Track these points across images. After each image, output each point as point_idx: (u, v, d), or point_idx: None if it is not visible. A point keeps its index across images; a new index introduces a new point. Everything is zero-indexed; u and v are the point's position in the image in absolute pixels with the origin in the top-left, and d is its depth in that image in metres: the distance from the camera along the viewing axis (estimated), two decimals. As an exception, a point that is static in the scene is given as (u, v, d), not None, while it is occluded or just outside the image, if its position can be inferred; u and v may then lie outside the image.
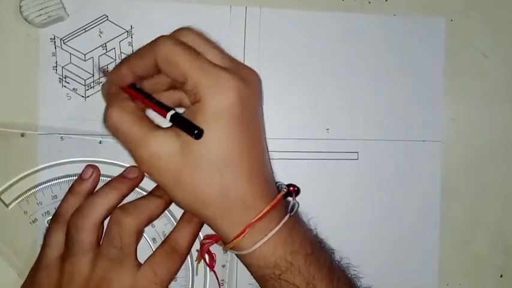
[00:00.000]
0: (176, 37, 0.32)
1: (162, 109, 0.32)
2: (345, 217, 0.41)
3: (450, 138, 0.42)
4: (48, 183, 0.37)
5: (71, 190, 0.36)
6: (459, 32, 0.42)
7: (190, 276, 0.39)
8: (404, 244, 0.42)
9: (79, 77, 0.38)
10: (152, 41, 0.32)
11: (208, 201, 0.32)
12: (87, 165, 0.37)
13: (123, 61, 0.34)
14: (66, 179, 0.38)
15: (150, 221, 0.36)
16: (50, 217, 0.37)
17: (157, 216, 0.36)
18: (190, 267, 0.39)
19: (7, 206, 0.37)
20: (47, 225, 0.37)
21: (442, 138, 0.42)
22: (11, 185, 0.37)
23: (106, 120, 0.33)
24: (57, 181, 0.38)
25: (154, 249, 0.36)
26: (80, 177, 0.37)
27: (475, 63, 0.43)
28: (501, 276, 0.43)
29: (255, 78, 0.34)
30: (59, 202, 0.36)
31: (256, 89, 0.34)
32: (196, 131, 0.30)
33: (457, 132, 0.42)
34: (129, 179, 0.36)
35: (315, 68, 0.41)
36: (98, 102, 0.38)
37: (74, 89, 0.38)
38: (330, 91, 0.41)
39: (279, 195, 0.34)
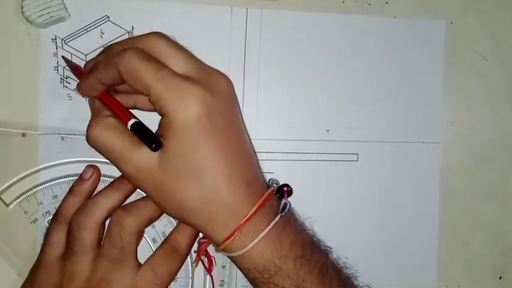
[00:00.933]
0: (141, 48, 0.32)
1: (125, 116, 0.33)
2: (344, 218, 0.41)
3: (449, 140, 0.42)
4: (49, 183, 0.37)
5: (71, 190, 0.37)
6: (459, 35, 0.42)
7: (190, 276, 0.39)
8: (403, 245, 0.42)
9: (80, 77, 0.38)
10: (118, 52, 0.32)
11: (191, 210, 0.32)
12: (88, 165, 0.37)
13: (90, 71, 0.34)
14: (67, 179, 0.38)
15: (150, 221, 0.36)
16: (51, 217, 0.37)
17: (158, 217, 0.36)
18: (190, 268, 0.39)
19: (7, 205, 0.37)
20: (48, 225, 0.37)
21: (442, 140, 0.42)
22: (11, 185, 0.37)
23: (87, 137, 0.33)
24: (58, 181, 0.38)
25: (154, 250, 0.36)
26: (81, 178, 0.37)
27: (475, 65, 0.43)
28: (500, 278, 0.43)
29: (224, 82, 0.34)
30: (60, 202, 0.36)
31: (226, 93, 0.33)
32: (154, 145, 0.31)
33: (457, 134, 0.43)
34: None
35: (315, 70, 0.41)
36: (98, 103, 0.38)
37: (75, 89, 0.38)
38: (330, 92, 0.41)
39: (265, 195, 0.33)
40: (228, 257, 0.34)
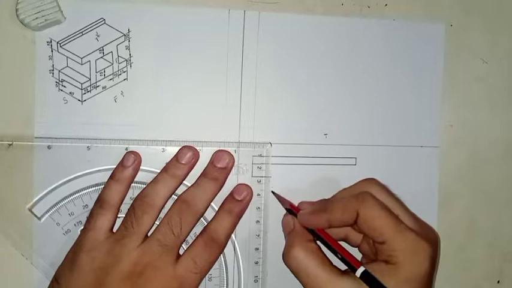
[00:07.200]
0: (378, 199, 0.34)
1: (352, 262, 0.33)
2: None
3: (448, 144, 0.42)
4: (79, 193, 0.37)
5: (113, 176, 0.37)
6: (458, 38, 0.42)
7: (225, 274, 0.39)
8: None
9: (76, 80, 0.38)
10: (357, 198, 0.33)
11: None
12: (128, 152, 0.38)
13: (322, 210, 0.35)
14: (96, 187, 0.38)
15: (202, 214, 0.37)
16: (83, 226, 0.37)
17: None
18: (223, 265, 0.39)
19: (39, 218, 0.37)
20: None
21: (440, 144, 0.42)
22: (41, 198, 0.37)
23: (289, 258, 0.34)
24: (87, 190, 0.38)
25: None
26: (122, 164, 0.37)
27: (474, 68, 0.42)
28: (498, 282, 0.43)
29: (437, 238, 0.35)
30: (90, 211, 0.36)
31: (439, 250, 0.35)
32: None
33: (455, 138, 0.42)
34: (185, 165, 0.37)
35: (313, 73, 0.40)
36: (94, 106, 0.38)
37: (70, 92, 0.38)
38: (328, 96, 0.41)
39: None
40: None
